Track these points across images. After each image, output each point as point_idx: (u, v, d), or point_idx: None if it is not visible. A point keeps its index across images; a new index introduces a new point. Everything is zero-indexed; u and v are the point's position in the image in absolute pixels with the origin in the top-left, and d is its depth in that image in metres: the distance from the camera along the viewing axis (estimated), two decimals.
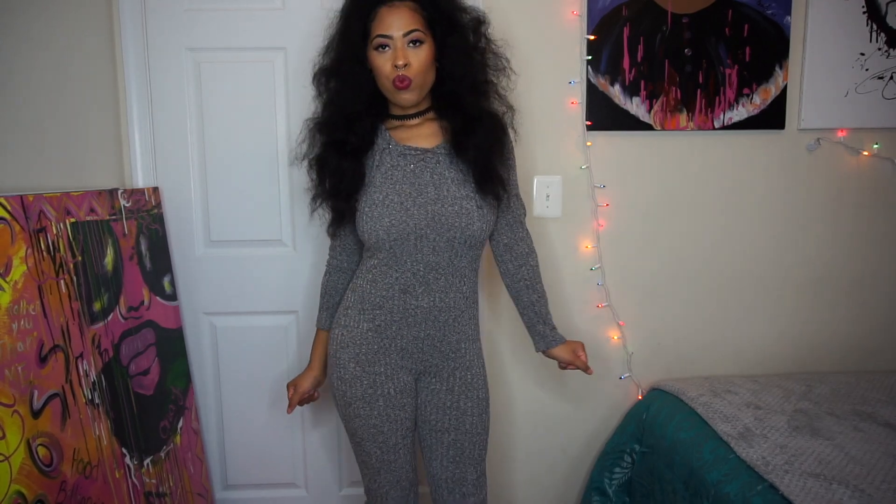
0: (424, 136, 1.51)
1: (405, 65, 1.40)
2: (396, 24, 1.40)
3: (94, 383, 1.54)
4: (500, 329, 2.05)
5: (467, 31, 1.49)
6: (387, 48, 1.41)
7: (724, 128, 1.97)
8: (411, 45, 1.41)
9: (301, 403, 1.68)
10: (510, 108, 1.56)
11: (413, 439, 1.59)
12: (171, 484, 1.81)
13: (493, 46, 1.53)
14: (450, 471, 1.55)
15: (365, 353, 1.50)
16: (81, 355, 1.51)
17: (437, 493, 1.58)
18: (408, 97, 1.45)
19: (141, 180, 1.95)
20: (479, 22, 1.51)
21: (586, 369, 1.62)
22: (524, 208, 1.62)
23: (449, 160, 1.49)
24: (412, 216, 1.43)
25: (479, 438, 1.57)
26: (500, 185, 1.50)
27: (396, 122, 1.53)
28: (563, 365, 1.65)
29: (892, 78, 1.98)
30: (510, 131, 1.56)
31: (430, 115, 1.53)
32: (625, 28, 1.92)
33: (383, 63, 1.42)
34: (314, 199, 1.57)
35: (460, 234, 1.45)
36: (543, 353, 1.65)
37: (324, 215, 1.57)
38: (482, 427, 1.57)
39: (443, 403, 1.54)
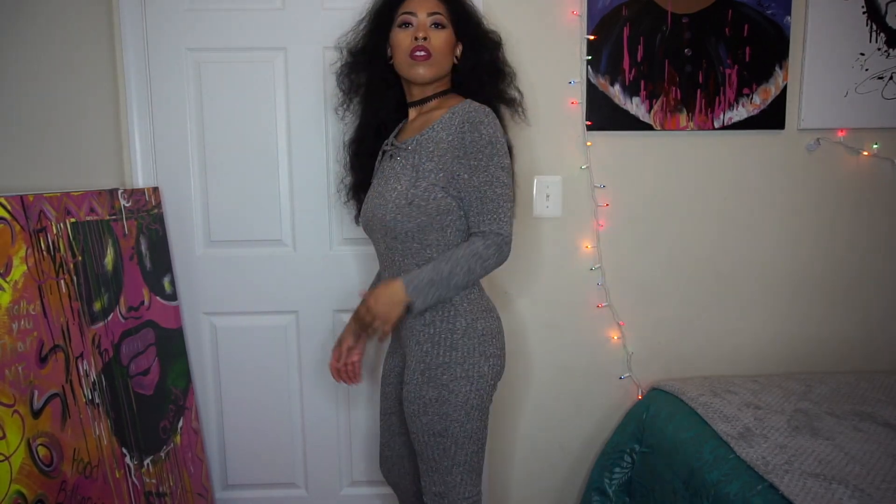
0: (416, 129, 1.49)
1: (425, 38, 1.44)
2: (423, 6, 1.47)
3: (94, 383, 1.54)
4: None
5: (485, 49, 1.55)
6: (409, 25, 1.47)
7: (723, 128, 1.97)
8: (434, 26, 1.47)
9: (346, 375, 1.57)
10: (513, 100, 1.63)
11: None
12: (171, 484, 1.81)
13: (508, 69, 1.63)
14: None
15: None
16: (81, 355, 1.51)
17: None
18: (423, 72, 1.46)
19: (141, 180, 1.95)
20: (496, 44, 1.59)
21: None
22: (496, 224, 1.36)
23: (414, 153, 1.41)
24: (365, 211, 1.51)
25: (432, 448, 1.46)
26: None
27: (413, 113, 1.55)
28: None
29: (891, 78, 1.98)
30: (518, 121, 1.66)
31: (444, 99, 1.51)
32: (625, 28, 1.92)
33: (404, 38, 1.47)
34: (349, 189, 1.74)
35: (381, 226, 1.44)
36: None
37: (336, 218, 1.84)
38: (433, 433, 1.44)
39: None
